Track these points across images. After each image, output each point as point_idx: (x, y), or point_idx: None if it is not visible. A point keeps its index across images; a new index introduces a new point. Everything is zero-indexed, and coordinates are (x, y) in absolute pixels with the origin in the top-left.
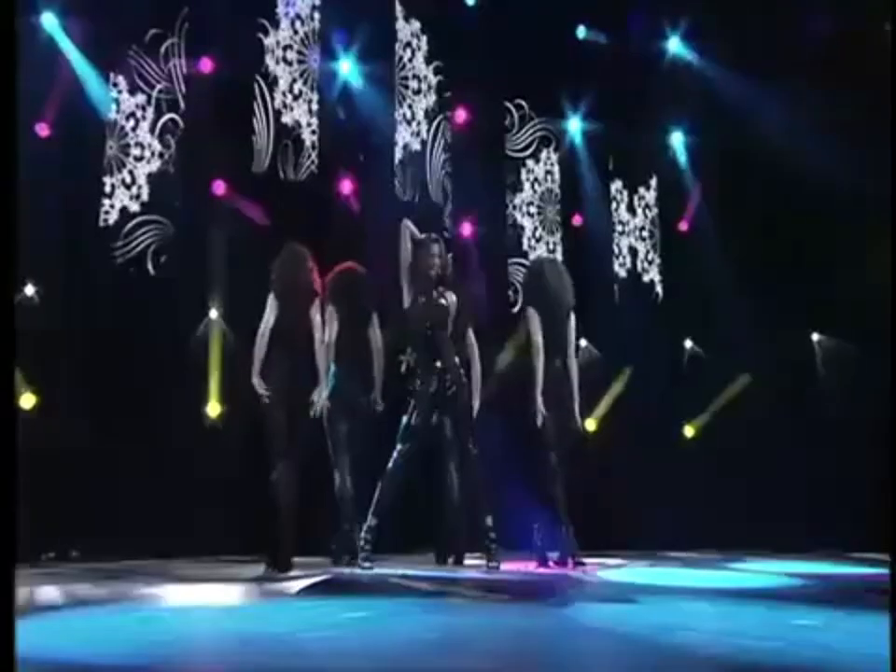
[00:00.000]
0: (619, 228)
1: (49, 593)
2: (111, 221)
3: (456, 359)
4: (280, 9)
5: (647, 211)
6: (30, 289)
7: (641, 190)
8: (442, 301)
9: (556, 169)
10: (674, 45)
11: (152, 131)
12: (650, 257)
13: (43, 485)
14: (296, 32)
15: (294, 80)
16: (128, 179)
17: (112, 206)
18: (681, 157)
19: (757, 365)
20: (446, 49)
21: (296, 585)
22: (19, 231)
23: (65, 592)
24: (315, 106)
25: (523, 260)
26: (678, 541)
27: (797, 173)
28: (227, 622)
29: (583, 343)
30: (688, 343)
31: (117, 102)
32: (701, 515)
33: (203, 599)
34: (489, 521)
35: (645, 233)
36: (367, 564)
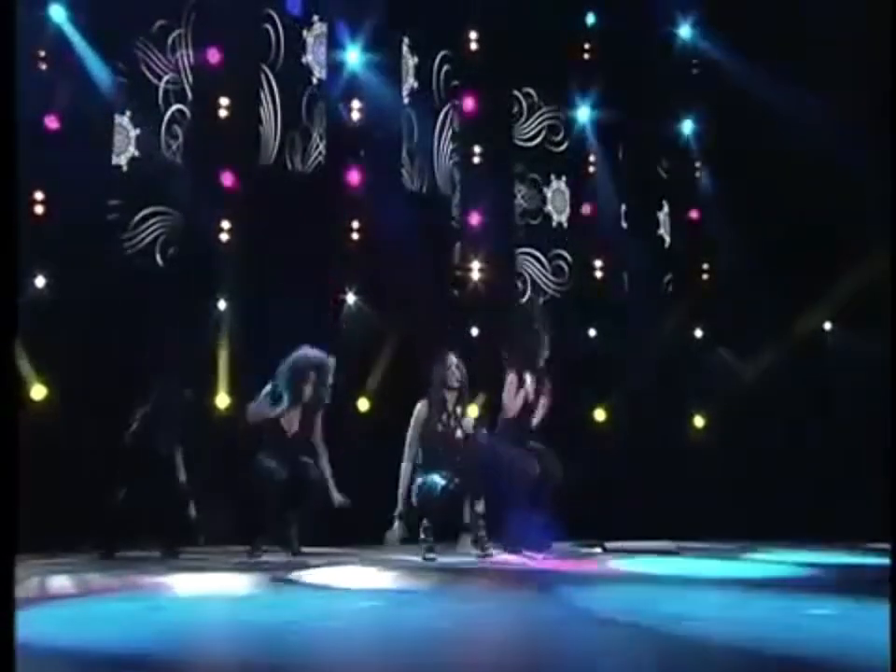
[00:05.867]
0: (626, 217)
1: (61, 582)
2: (119, 213)
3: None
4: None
5: (655, 200)
6: (41, 281)
7: (649, 180)
8: (459, 433)
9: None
10: (685, 32)
11: (160, 122)
12: (660, 246)
13: (52, 478)
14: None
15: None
16: (135, 170)
17: (120, 197)
18: (691, 145)
19: (769, 355)
20: (453, 37)
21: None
22: (23, 226)
23: (78, 581)
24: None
25: (531, 250)
26: (691, 531)
27: (806, 162)
28: (236, 611)
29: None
30: (698, 333)
31: (124, 93)
32: (714, 505)
33: (212, 589)
34: (479, 508)
35: (659, 225)
36: (430, 555)
